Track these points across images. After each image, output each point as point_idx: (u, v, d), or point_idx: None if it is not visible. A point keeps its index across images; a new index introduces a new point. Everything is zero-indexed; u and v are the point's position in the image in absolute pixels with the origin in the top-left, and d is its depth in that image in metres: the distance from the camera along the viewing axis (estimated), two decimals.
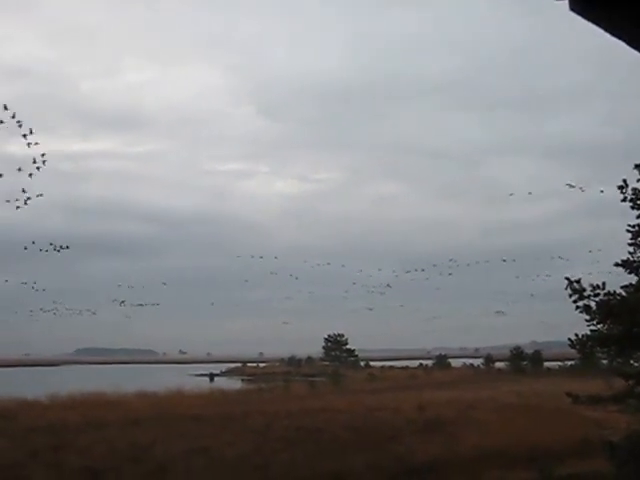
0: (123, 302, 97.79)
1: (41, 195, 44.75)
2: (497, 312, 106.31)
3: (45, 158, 35.82)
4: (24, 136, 32.61)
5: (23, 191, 51.05)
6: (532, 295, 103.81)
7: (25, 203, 52.94)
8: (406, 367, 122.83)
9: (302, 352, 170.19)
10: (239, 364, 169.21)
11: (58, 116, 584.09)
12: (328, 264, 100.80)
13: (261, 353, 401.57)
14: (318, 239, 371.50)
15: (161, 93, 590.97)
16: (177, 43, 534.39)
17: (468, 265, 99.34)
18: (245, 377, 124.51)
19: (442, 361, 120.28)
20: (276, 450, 22.86)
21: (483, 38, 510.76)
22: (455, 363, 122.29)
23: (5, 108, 35.33)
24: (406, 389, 58.15)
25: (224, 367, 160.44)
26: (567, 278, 17.36)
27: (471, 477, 19.11)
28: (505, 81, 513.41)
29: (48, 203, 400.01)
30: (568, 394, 19.69)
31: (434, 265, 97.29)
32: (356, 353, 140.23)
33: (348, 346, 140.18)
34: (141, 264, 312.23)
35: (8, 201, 53.47)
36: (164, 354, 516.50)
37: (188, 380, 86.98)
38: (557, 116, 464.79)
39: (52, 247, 63.30)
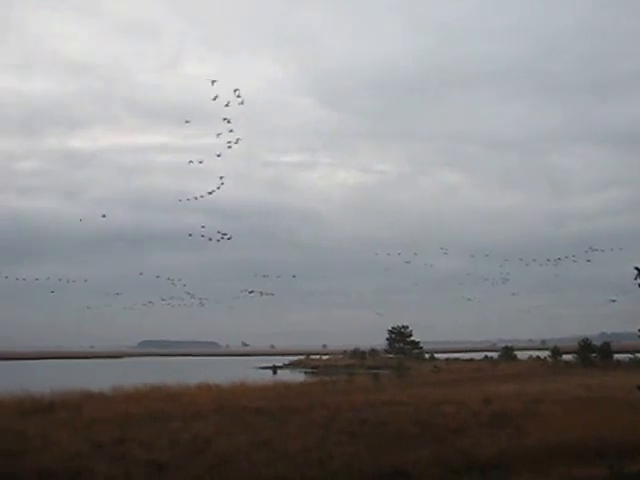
0: (192, 295, 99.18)
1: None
2: (612, 300, 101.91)
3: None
4: None
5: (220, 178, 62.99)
6: (602, 286, 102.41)
7: (218, 188, 63.78)
8: (471, 359, 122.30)
9: (366, 344, 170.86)
10: (302, 356, 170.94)
11: (120, 110, 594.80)
12: (398, 254, 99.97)
13: (324, 345, 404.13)
14: (380, 230, 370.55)
15: (221, 85, 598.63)
16: (237, 35, 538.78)
17: (534, 261, 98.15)
18: (308, 369, 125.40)
19: (508, 353, 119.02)
20: (339, 443, 22.88)
21: (547, 23, 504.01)
22: (521, 355, 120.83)
23: None
24: (471, 382, 57.72)
25: (287, 359, 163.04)
26: (637, 268, 17.00)
27: (538, 472, 18.87)
28: (570, 66, 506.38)
29: (113, 196, 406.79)
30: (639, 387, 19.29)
31: (505, 260, 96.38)
32: (420, 345, 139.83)
33: (412, 338, 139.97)
34: (203, 257, 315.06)
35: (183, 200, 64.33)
36: (227, 346, 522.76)
37: (251, 372, 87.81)
38: (624, 102, 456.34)
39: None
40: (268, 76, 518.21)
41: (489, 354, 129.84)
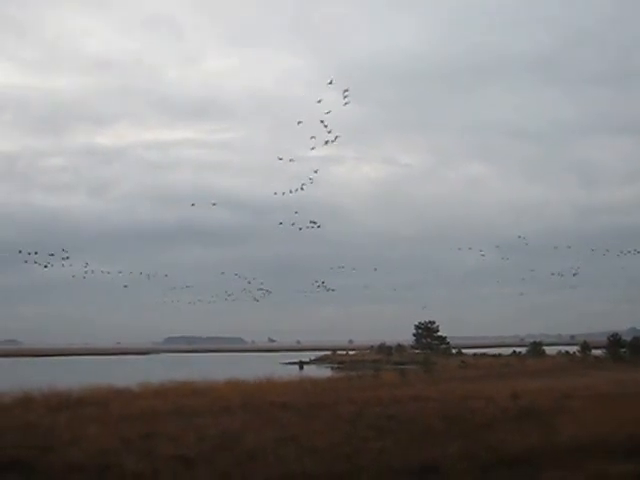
0: (229, 294, 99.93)
1: None
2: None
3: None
4: None
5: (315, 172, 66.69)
6: (631, 280, 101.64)
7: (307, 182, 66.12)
8: (499, 355, 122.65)
9: (392, 340, 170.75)
10: (328, 352, 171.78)
11: (144, 106, 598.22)
12: (425, 248, 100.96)
13: (351, 341, 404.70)
14: (405, 224, 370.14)
15: (243, 79, 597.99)
16: (258, 28, 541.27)
17: (569, 247, 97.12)
18: (335, 365, 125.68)
19: (536, 349, 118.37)
20: (366, 439, 22.87)
21: (572, 10, 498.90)
22: (550, 351, 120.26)
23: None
24: (499, 377, 57.57)
25: (313, 355, 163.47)
26: None
27: (569, 468, 18.73)
28: (597, 56, 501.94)
29: (138, 192, 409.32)
30: None
31: (533, 254, 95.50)
32: (448, 341, 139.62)
33: (439, 333, 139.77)
34: (229, 252, 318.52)
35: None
36: (253, 342, 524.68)
37: (277, 368, 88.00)
38: None
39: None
40: (289, 69, 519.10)
41: (517, 349, 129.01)
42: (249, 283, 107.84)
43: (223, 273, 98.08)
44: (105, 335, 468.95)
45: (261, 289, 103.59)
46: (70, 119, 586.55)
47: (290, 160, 70.64)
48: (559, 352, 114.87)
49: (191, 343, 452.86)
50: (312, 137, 61.39)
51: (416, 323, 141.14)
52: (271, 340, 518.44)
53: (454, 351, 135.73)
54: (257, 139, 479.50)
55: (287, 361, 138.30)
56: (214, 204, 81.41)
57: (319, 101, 58.94)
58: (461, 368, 79.15)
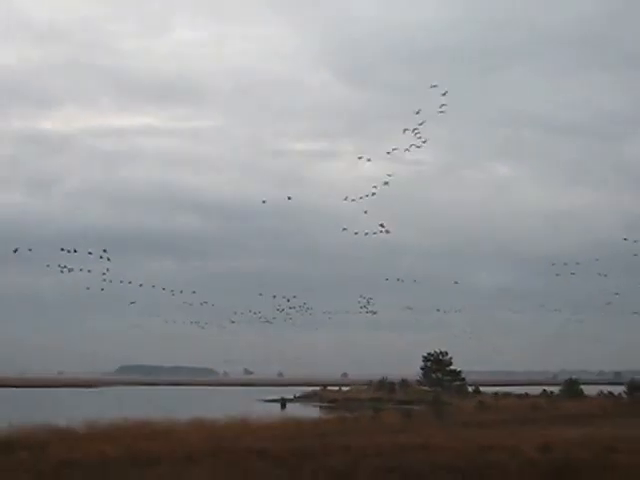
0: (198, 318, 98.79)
1: None
2: None
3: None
4: None
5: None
6: None
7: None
8: (525, 395, 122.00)
9: (395, 373, 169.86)
10: (317, 387, 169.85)
11: (97, 85, 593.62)
12: (438, 264, 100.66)
13: (345, 374, 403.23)
14: (416, 234, 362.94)
15: (220, 55, 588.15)
16: None
17: (615, 264, 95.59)
18: (324, 403, 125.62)
19: (572, 388, 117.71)
20: None
21: None
22: (589, 391, 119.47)
23: None
24: (526, 423, 57.40)
25: (299, 391, 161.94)
26: None
27: None
28: None
29: (85, 190, 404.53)
30: None
31: (571, 273, 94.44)
32: (462, 376, 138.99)
33: (453, 367, 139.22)
34: (197, 266, 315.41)
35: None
36: (225, 374, 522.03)
37: (254, 406, 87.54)
38: None
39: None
40: (276, 45, 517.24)
41: (548, 388, 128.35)
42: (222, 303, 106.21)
43: (195, 292, 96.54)
44: (45, 363, 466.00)
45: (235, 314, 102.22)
46: (6, 100, 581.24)
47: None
48: (600, 393, 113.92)
49: (150, 374, 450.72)
50: (405, 130, 59.80)
51: (424, 354, 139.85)
52: (247, 372, 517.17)
53: (470, 389, 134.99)
54: (235, 128, 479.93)
55: (267, 398, 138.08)
56: (264, 202, 73.32)
57: (417, 112, 57.58)
58: (479, 410, 78.86)
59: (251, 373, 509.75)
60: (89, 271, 72.92)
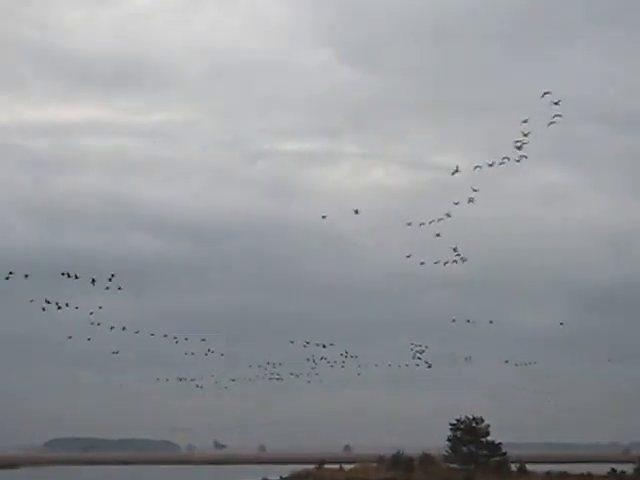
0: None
1: None
2: None
3: None
4: None
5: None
6: None
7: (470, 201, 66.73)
8: (588, 475, 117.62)
9: (414, 446, 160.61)
10: (311, 465, 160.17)
11: (25, 67, 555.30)
12: (460, 297, 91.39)
13: (347, 446, 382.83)
14: (439, 260, 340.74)
15: (186, 30, 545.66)
16: None
17: None
18: None
19: None
20: None
21: None
22: None
23: None
24: None
25: (286, 470, 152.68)
26: None
27: None
28: None
29: (11, 203, 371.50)
30: None
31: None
32: (503, 450, 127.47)
33: (489, 437, 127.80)
34: (156, 302, 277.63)
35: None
36: (190, 448, 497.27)
37: None
38: None
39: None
40: (261, 19, 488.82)
41: (619, 467, 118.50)
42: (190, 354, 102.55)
43: (153, 335, 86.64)
44: None
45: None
46: None
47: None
48: None
49: (91, 449, 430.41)
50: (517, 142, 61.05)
51: (452, 421, 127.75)
52: (219, 445, 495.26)
53: (514, 467, 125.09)
54: (207, 123, 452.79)
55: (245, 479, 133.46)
56: (324, 217, 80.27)
57: (525, 121, 58.90)
58: None
59: (224, 447, 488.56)
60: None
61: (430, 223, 68.84)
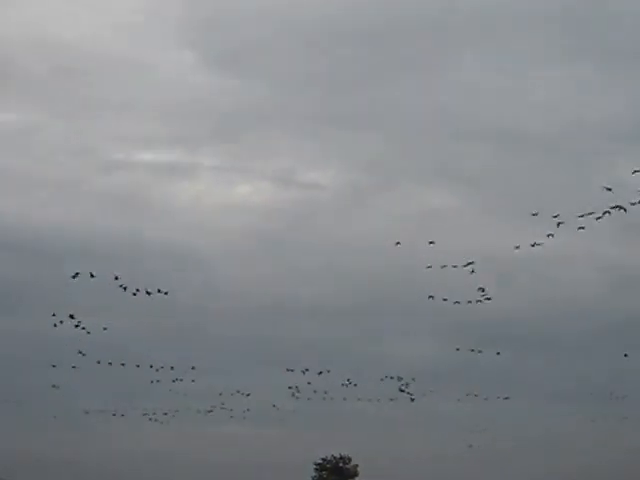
0: None
1: None
2: None
3: None
4: None
5: None
6: None
7: None
8: None
9: None
10: None
11: None
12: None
13: None
14: (319, 291, 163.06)
15: (21, 18, 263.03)
16: None
17: None
18: None
19: None
20: None
21: None
22: None
23: None
24: None
25: None
26: None
27: None
28: None
29: None
30: None
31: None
32: None
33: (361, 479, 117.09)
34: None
35: None
36: None
37: None
38: None
39: None
40: (114, 9, 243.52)
41: None
42: None
43: None
44: None
45: None
46: None
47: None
48: None
49: None
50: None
51: (318, 460, 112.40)
52: None
53: None
54: (48, 127, 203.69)
55: None
56: (398, 243, 64.78)
57: None
58: None
59: None
60: None
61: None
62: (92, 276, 59.72)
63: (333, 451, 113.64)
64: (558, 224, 44.60)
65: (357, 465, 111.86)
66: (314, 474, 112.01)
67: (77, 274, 59.62)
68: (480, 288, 48.21)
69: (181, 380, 76.38)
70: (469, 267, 58.82)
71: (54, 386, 76.46)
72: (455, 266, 56.39)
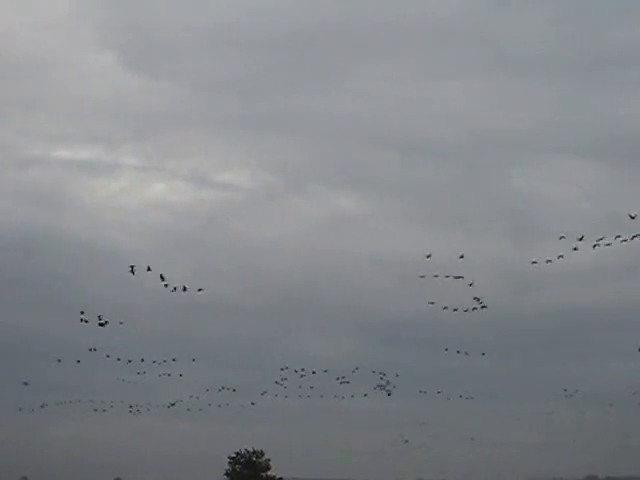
0: None
1: None
2: None
3: None
4: None
5: None
6: None
7: None
8: None
9: None
10: None
11: None
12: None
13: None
14: (231, 289, 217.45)
15: None
16: None
17: None
18: None
19: None
20: None
21: None
22: None
23: None
24: None
25: None
26: None
27: None
28: None
29: None
30: None
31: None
32: None
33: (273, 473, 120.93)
34: None
35: None
36: None
37: None
38: None
39: None
40: (34, 6, 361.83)
41: None
42: None
43: None
44: None
45: None
46: None
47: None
48: None
49: None
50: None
51: (232, 454, 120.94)
52: None
53: None
54: None
55: None
56: (429, 256, 66.84)
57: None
58: None
59: None
60: None
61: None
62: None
63: (247, 446, 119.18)
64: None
65: (269, 459, 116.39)
66: (228, 467, 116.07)
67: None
68: (475, 298, 63.47)
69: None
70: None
71: None
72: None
